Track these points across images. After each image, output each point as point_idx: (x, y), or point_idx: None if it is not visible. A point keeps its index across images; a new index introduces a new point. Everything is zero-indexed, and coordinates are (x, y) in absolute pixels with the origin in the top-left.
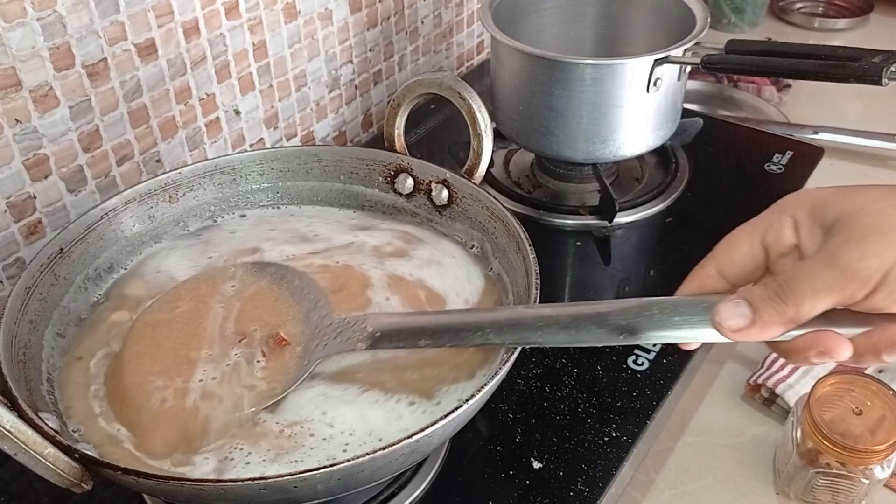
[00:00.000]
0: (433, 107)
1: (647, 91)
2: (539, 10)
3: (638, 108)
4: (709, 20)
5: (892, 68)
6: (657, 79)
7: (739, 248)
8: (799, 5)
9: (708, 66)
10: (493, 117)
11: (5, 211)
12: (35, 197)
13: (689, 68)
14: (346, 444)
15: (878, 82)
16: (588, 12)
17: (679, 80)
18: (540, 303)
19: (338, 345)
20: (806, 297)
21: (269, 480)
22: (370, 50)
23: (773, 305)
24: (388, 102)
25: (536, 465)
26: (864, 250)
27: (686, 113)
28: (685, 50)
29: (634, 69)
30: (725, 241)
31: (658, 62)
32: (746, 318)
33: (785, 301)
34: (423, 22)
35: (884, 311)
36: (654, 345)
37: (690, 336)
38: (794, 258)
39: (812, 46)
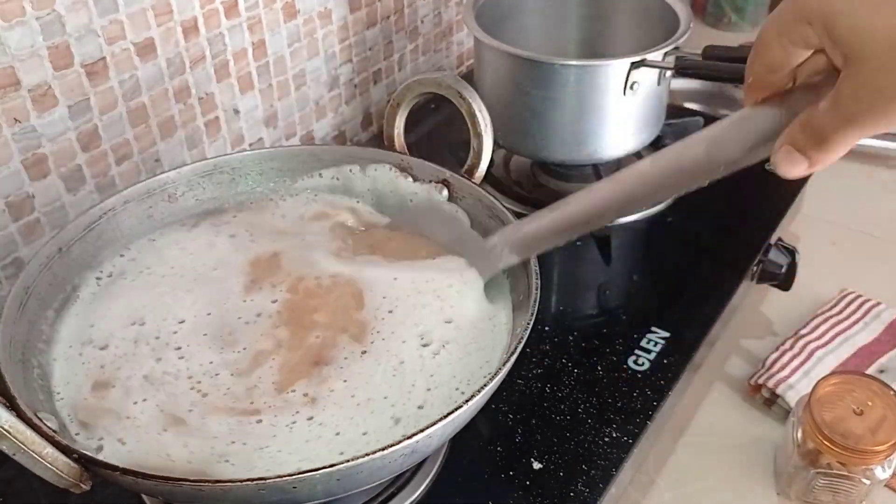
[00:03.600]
0: (433, 106)
1: (624, 94)
2: (524, 11)
3: (615, 111)
4: (692, 24)
5: None
6: (634, 82)
7: (774, 53)
8: None
9: (681, 72)
10: None
11: (4, 210)
12: (34, 196)
13: (669, 73)
14: None
15: None
16: (573, 14)
17: (659, 84)
18: (539, 302)
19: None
20: (838, 140)
21: (268, 481)
22: (370, 49)
23: (818, 148)
24: (388, 102)
25: (536, 465)
26: (873, 105)
27: (686, 112)
28: (664, 54)
29: (610, 72)
30: (757, 45)
31: (634, 65)
32: (803, 162)
33: (826, 142)
34: (422, 21)
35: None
36: (656, 344)
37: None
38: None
39: None
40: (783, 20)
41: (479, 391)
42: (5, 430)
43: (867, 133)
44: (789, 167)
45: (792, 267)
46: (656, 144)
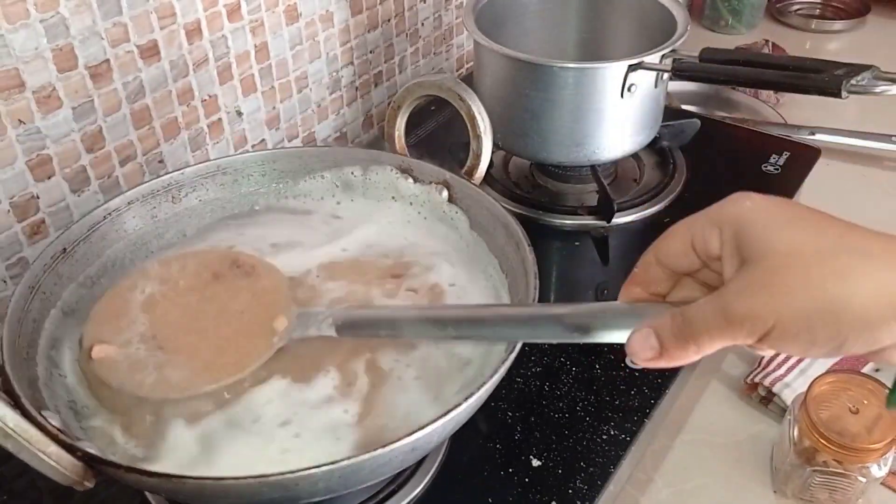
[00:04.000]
0: (433, 108)
1: (622, 96)
2: (523, 14)
3: (613, 113)
4: (689, 27)
5: (853, 81)
6: (632, 84)
7: (675, 244)
8: (796, 7)
9: (678, 74)
10: None
11: (9, 211)
12: (38, 197)
13: (666, 75)
14: None
15: (837, 95)
16: (571, 17)
17: (656, 86)
18: (539, 302)
19: (307, 330)
20: (703, 339)
21: (269, 478)
22: (371, 52)
23: (676, 342)
24: (389, 104)
25: (535, 462)
26: (752, 305)
27: (683, 114)
28: (662, 56)
29: (608, 74)
30: (665, 234)
31: (632, 68)
32: (655, 350)
33: (686, 340)
34: (423, 24)
35: (769, 350)
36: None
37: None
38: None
39: (782, 57)
40: (696, 220)
41: (478, 389)
42: (10, 428)
43: (732, 340)
44: (640, 349)
45: None
46: (654, 146)
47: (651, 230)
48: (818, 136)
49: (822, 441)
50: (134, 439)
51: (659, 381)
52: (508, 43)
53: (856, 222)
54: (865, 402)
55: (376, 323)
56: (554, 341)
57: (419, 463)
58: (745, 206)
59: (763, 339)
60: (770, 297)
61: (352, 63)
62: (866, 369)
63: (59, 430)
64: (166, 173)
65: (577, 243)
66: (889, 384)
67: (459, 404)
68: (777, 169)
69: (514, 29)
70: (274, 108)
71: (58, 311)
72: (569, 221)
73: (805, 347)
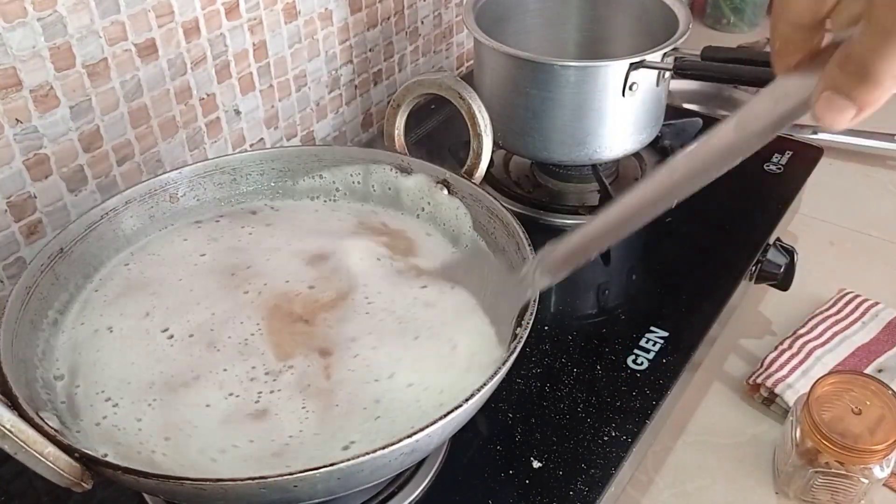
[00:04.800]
0: (433, 107)
1: (623, 95)
2: (523, 12)
3: (614, 111)
4: (690, 25)
5: None
6: (633, 83)
7: (798, 1)
8: None
9: (680, 73)
10: None
11: (6, 210)
12: (35, 197)
13: (668, 74)
14: None
15: None
16: (572, 15)
17: (658, 85)
18: (539, 302)
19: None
20: (887, 61)
21: (268, 479)
22: (370, 50)
23: (862, 84)
24: (389, 102)
25: (536, 464)
26: None
27: (685, 113)
28: (663, 55)
29: (610, 72)
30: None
31: (634, 66)
32: (849, 107)
33: (871, 74)
34: (423, 22)
35: None
36: (654, 343)
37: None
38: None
39: None
40: None
41: (478, 390)
42: (7, 429)
43: None
44: (834, 115)
45: (790, 267)
46: (655, 145)
47: (652, 230)
48: (821, 135)
49: (825, 442)
50: None
51: (660, 382)
52: (509, 41)
53: (859, 222)
54: (868, 402)
55: (587, 244)
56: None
57: (419, 464)
58: None
59: None
60: None
61: (351, 61)
62: (869, 370)
63: (56, 431)
64: (164, 173)
65: None
66: (893, 386)
67: (460, 405)
68: (779, 168)
69: (514, 27)
70: (272, 106)
71: (55, 312)
72: (570, 221)
73: None
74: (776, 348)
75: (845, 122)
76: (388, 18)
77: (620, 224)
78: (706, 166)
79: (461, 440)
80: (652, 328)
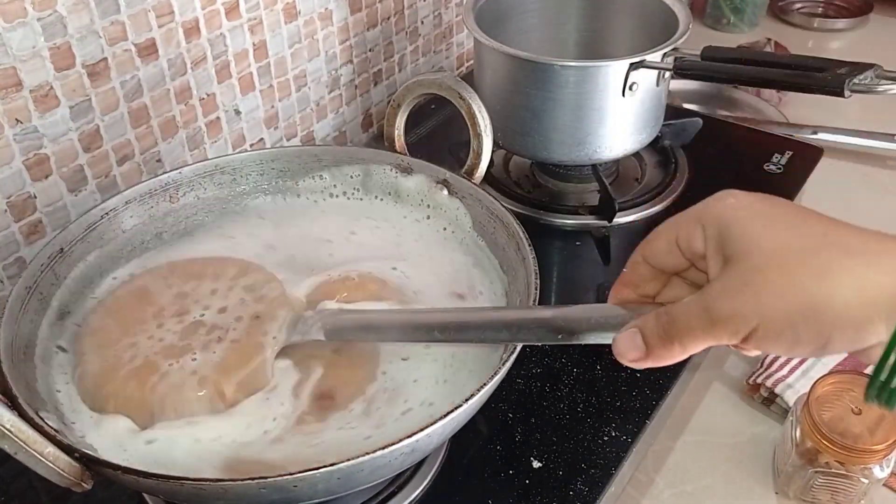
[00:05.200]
0: (433, 107)
1: (623, 95)
2: (523, 12)
3: (614, 111)
4: (690, 25)
5: (855, 80)
6: (633, 83)
7: (660, 243)
8: (798, 5)
9: (679, 72)
10: None
11: (6, 210)
12: (35, 197)
13: (668, 73)
14: None
15: (839, 94)
16: (572, 15)
17: (658, 85)
18: (539, 303)
19: (296, 334)
20: (687, 339)
21: (268, 480)
22: (370, 50)
23: (661, 342)
24: (389, 102)
25: (536, 464)
26: (735, 305)
27: (685, 113)
28: (663, 55)
29: (610, 72)
30: (651, 234)
31: (634, 66)
32: (641, 350)
33: (671, 339)
34: (422, 22)
35: (755, 350)
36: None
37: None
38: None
39: (784, 56)
40: (680, 219)
41: (478, 390)
42: (7, 429)
43: (716, 340)
44: (626, 349)
45: None
46: (655, 145)
47: (651, 230)
48: (820, 136)
49: (825, 442)
50: None
51: (660, 383)
52: (509, 41)
53: (859, 222)
54: None
55: (364, 328)
56: (539, 344)
57: (419, 464)
58: (728, 204)
59: (747, 339)
60: (752, 296)
61: (351, 61)
62: (869, 370)
63: (56, 430)
64: (164, 172)
65: (578, 243)
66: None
67: (460, 405)
68: (779, 168)
69: (514, 27)
70: (272, 106)
71: (54, 312)
72: (570, 221)
73: (789, 347)
74: None
75: (629, 361)
76: (388, 18)
77: (399, 330)
78: (499, 329)
79: (461, 440)
80: None
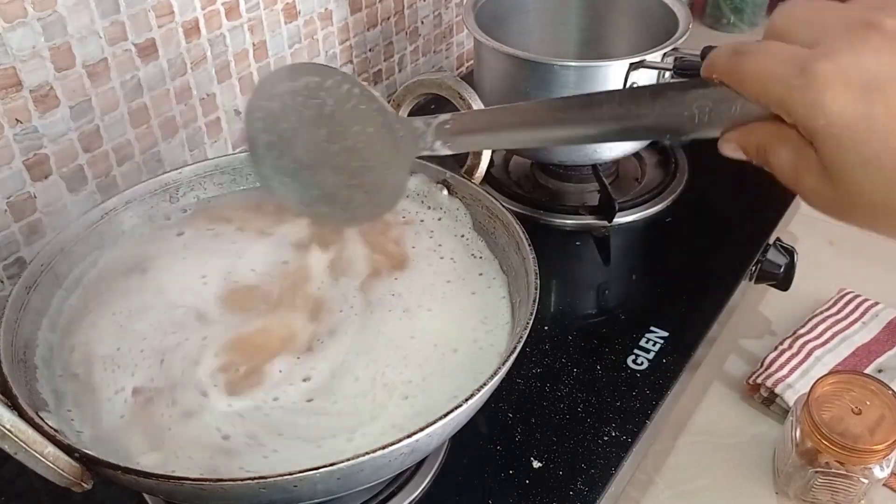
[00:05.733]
0: (433, 107)
1: None
2: (524, 12)
3: None
4: (690, 25)
5: None
6: (633, 83)
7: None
8: None
9: (680, 72)
10: None
11: (6, 210)
12: (35, 196)
13: (668, 73)
14: None
15: None
16: (572, 15)
17: None
18: (539, 302)
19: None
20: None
21: (268, 479)
22: (370, 50)
23: (762, 163)
24: (389, 102)
25: (536, 464)
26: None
27: None
28: (663, 55)
29: (610, 73)
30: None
31: (634, 66)
32: (743, 158)
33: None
34: (423, 22)
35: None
36: (655, 343)
37: None
38: None
39: None
40: (770, 77)
41: (478, 390)
42: (7, 429)
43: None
44: (729, 155)
45: (790, 267)
46: (655, 145)
47: (652, 230)
48: None
49: (825, 442)
50: None
51: (660, 383)
52: (509, 41)
53: None
54: (868, 402)
55: (493, 124)
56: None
57: (419, 464)
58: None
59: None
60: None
61: (351, 61)
62: (869, 370)
63: (56, 430)
64: (164, 172)
65: (578, 243)
66: (893, 386)
67: (460, 405)
68: None
69: (514, 27)
70: None
71: (55, 312)
72: (570, 221)
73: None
74: (776, 348)
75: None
76: (388, 18)
77: (522, 126)
78: (619, 132)
79: (461, 440)
80: (652, 328)
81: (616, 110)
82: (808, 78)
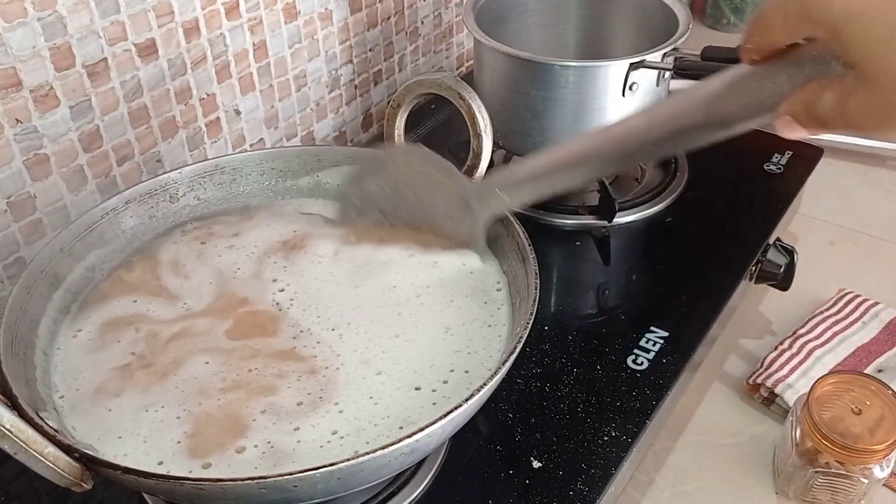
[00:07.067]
0: (433, 107)
1: (623, 95)
2: (524, 12)
3: (614, 111)
4: (690, 25)
5: None
6: (633, 83)
7: (776, 33)
8: None
9: (680, 72)
10: None
11: (6, 210)
12: (35, 196)
13: (668, 73)
14: None
15: None
16: (572, 15)
17: (658, 85)
18: (539, 302)
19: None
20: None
21: (268, 479)
22: (370, 50)
23: (818, 129)
24: (389, 102)
25: (536, 464)
26: (882, 117)
27: None
28: (663, 55)
29: (610, 72)
30: (760, 24)
31: (634, 66)
32: (801, 132)
33: (826, 130)
34: (423, 22)
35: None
36: (654, 343)
37: None
38: None
39: None
40: (790, 12)
41: (478, 390)
42: (7, 429)
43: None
44: (788, 132)
45: (790, 267)
46: None
47: (652, 230)
48: (821, 135)
49: (825, 442)
50: None
51: (660, 383)
52: (509, 41)
53: (859, 222)
54: (868, 402)
55: (546, 174)
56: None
57: (419, 464)
58: None
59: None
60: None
61: (351, 61)
62: (869, 370)
63: (56, 430)
64: (164, 173)
65: (577, 243)
66: (893, 386)
67: (460, 405)
68: (779, 168)
69: (514, 27)
70: (272, 106)
71: (54, 312)
72: (570, 221)
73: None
74: (776, 348)
75: (796, 137)
76: (388, 18)
77: (579, 164)
78: (670, 142)
79: (461, 440)
80: (652, 328)
81: (698, 114)
82: None
